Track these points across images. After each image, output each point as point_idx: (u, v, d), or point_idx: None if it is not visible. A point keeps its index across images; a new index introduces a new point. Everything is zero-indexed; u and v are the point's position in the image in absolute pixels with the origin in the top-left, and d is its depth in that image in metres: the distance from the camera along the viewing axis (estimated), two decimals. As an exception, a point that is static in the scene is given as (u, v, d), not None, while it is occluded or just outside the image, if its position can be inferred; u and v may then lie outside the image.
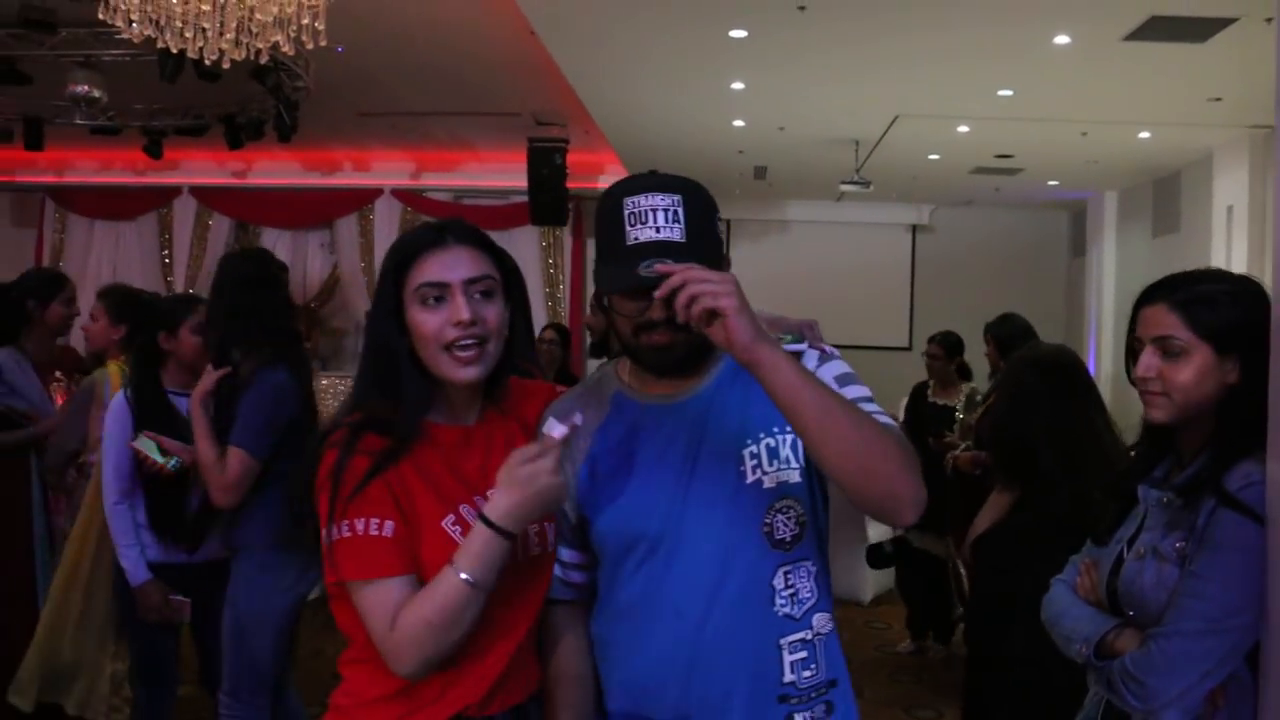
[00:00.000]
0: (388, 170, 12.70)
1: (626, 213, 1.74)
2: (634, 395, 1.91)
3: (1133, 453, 2.21)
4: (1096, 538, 2.20)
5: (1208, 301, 1.96)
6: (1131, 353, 2.08)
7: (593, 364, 3.84)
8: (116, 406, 3.65)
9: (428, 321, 1.80)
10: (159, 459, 3.51)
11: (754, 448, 1.81)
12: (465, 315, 1.78)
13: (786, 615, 1.83)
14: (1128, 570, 2.04)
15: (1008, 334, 5.46)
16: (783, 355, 1.61)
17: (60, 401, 4.41)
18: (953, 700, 5.26)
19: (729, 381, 1.86)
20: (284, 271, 3.73)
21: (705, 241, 1.75)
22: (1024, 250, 13.39)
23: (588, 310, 3.73)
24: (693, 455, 1.82)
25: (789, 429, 1.77)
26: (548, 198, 11.04)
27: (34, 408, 4.30)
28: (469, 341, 1.80)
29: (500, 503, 1.69)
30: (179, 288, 12.28)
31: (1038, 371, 3.35)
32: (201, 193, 12.87)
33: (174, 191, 12.86)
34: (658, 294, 1.61)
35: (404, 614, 1.70)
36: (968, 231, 13.46)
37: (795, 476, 1.82)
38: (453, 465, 1.84)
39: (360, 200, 12.82)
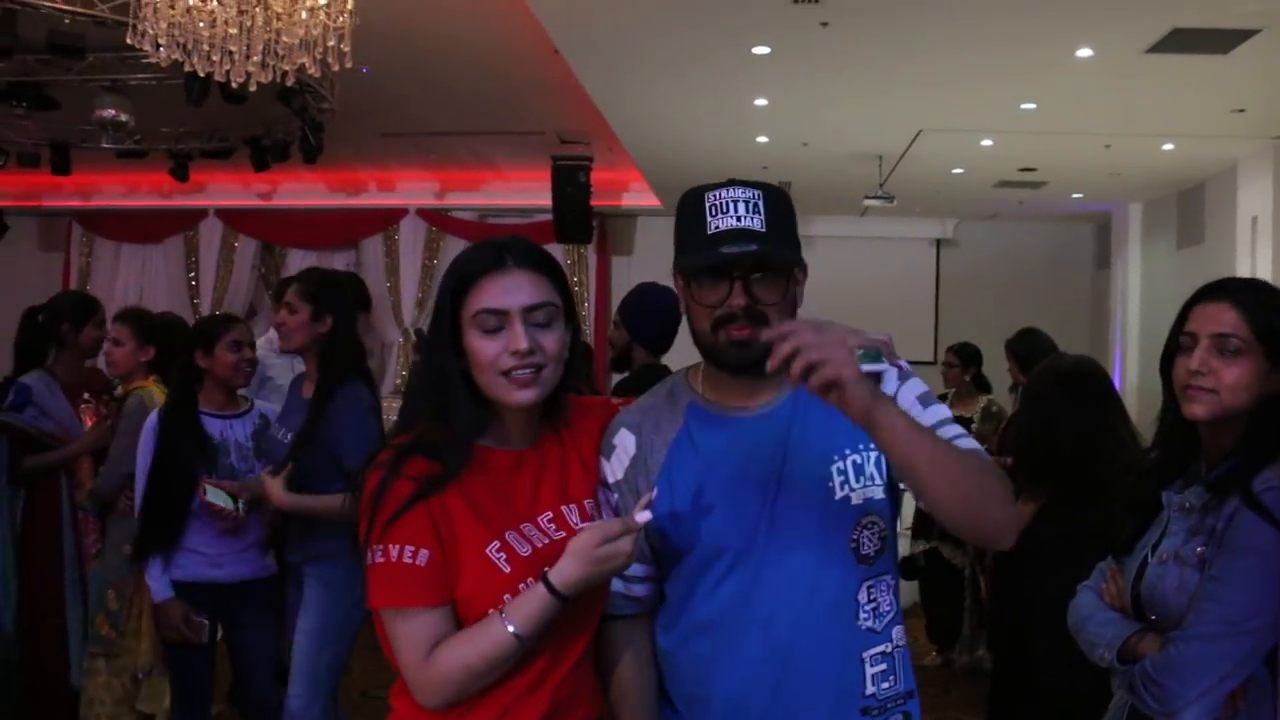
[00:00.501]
0: (412, 190, 12.78)
1: (708, 204, 1.78)
2: (710, 407, 1.88)
3: (1151, 455, 2.22)
4: (1118, 550, 2.22)
5: (1273, 307, 1.98)
6: (1172, 351, 2.08)
7: (614, 378, 3.87)
8: (150, 426, 3.69)
9: (485, 349, 1.76)
10: (231, 506, 3.52)
11: (841, 464, 1.82)
12: (523, 345, 1.74)
13: (869, 629, 1.84)
14: (1150, 575, 2.07)
15: (1028, 349, 5.43)
16: (897, 413, 1.64)
17: (89, 423, 4.43)
18: (979, 713, 5.24)
19: (806, 396, 1.83)
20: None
21: (785, 234, 1.79)
22: (1048, 263, 13.33)
23: (611, 326, 3.75)
24: (777, 469, 1.81)
25: (873, 446, 1.79)
26: (572, 216, 11.08)
27: (63, 429, 4.34)
28: (527, 370, 1.76)
29: (569, 574, 1.67)
30: (205, 310, 12.36)
31: (1060, 381, 3.34)
32: (227, 215, 12.99)
33: (200, 214, 12.99)
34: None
35: (444, 653, 1.69)
36: (992, 245, 13.41)
37: (879, 493, 1.83)
38: (501, 491, 1.80)
39: (385, 220, 12.91)
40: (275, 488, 3.36)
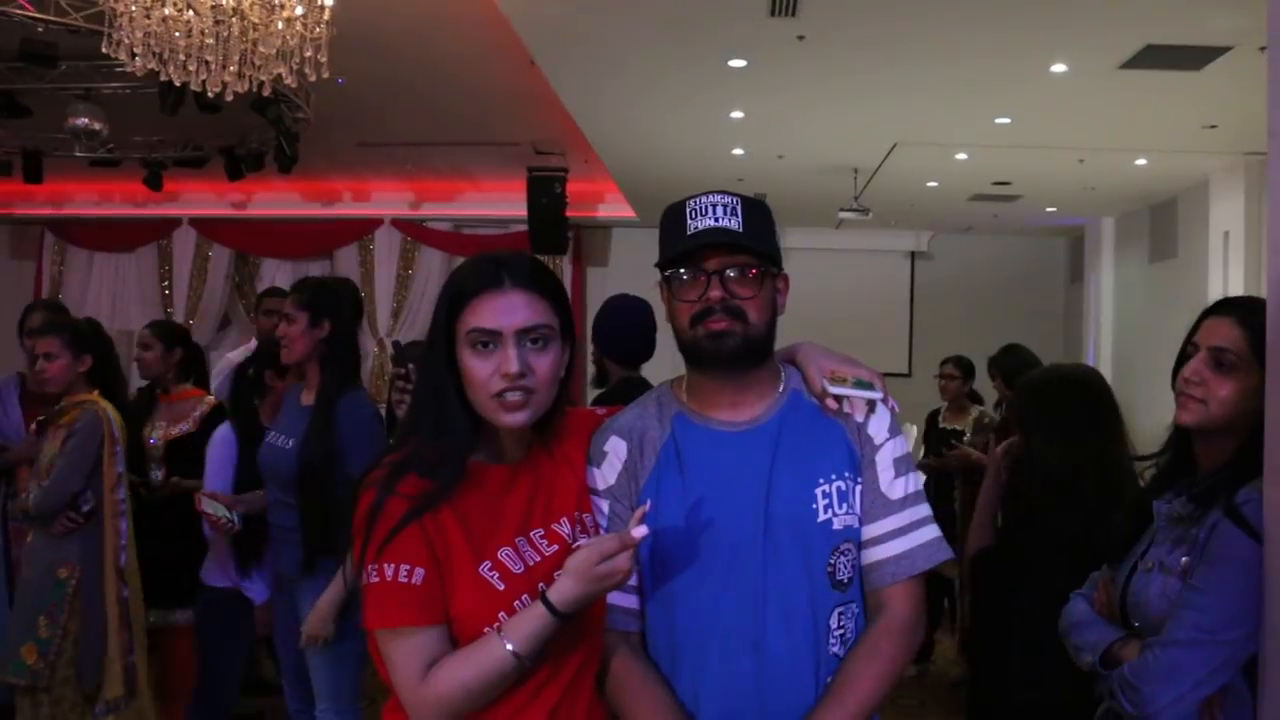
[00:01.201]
0: (388, 200, 12.74)
1: (688, 209, 1.83)
2: (696, 419, 1.91)
3: (1152, 462, 2.26)
4: (1111, 556, 2.25)
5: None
6: (1183, 358, 2.12)
7: (592, 393, 3.86)
8: (226, 438, 3.82)
9: (477, 368, 1.75)
10: (226, 516, 3.60)
11: (826, 487, 1.85)
12: (514, 368, 1.73)
13: (835, 655, 1.85)
14: (1136, 583, 2.10)
15: (1014, 366, 5.47)
16: None
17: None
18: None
19: (792, 414, 1.90)
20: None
21: (761, 237, 1.83)
22: (1022, 276, 13.42)
23: (589, 335, 3.75)
24: (765, 487, 1.83)
25: (859, 478, 1.86)
26: (547, 226, 11.07)
27: (2, 435, 4.34)
28: (518, 394, 1.74)
29: (567, 592, 1.67)
30: (179, 319, 12.27)
31: (1044, 393, 3.36)
32: (201, 224, 12.91)
33: (174, 223, 12.90)
34: None
35: (441, 673, 1.67)
36: (966, 258, 13.49)
37: (855, 523, 1.87)
38: (495, 508, 1.78)
39: (360, 230, 12.87)
40: (315, 620, 3.38)
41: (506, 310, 1.76)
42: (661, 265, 1.87)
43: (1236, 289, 8.47)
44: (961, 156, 8.98)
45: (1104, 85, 6.75)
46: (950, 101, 7.33)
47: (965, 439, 5.95)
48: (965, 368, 6.33)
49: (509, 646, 1.65)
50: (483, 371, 1.75)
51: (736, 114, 7.86)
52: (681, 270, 1.83)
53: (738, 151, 9.04)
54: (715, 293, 1.80)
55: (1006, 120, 7.72)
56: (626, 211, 12.01)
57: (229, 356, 5.32)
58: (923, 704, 5.71)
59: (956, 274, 13.44)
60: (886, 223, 11.92)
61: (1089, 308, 12.19)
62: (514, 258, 1.82)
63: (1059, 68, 6.46)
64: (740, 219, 1.82)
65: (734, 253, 1.81)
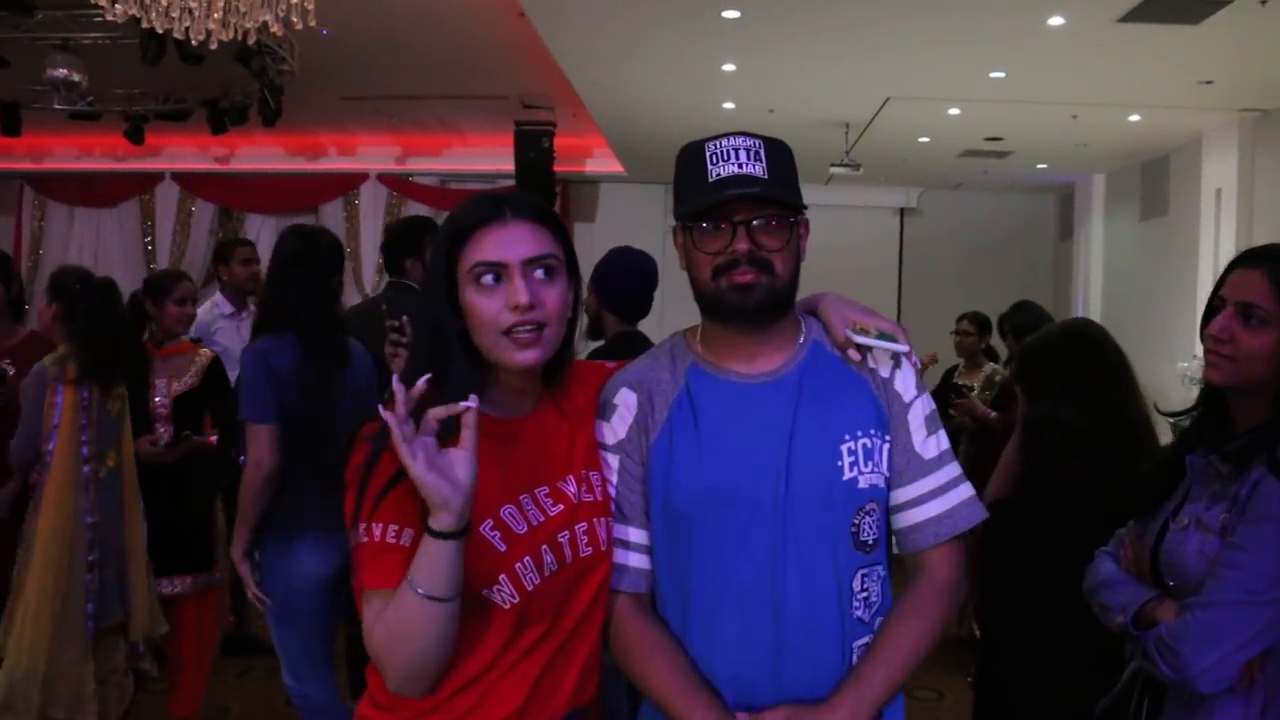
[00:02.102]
0: (373, 155, 12.59)
1: (709, 153, 1.73)
2: (712, 370, 1.81)
3: (1194, 414, 2.18)
4: (1139, 511, 2.17)
5: None
6: (1211, 311, 2.05)
7: (586, 346, 3.80)
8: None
9: (483, 305, 1.66)
10: None
11: (852, 444, 1.76)
12: (524, 299, 1.64)
13: (859, 619, 1.79)
14: (1170, 541, 2.02)
15: (1026, 323, 5.47)
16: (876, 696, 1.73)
17: None
18: (951, 680, 5.26)
19: (814, 366, 1.80)
20: (332, 254, 3.70)
21: (787, 182, 1.74)
22: (1011, 234, 13.35)
23: (584, 291, 3.67)
24: (786, 442, 1.74)
25: (886, 436, 1.78)
26: (535, 181, 10.94)
27: None
28: (528, 328, 1.66)
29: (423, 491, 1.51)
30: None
31: (1059, 342, 3.35)
32: (184, 179, 12.72)
33: (156, 178, 12.71)
34: None
35: (378, 625, 1.57)
36: (955, 215, 13.41)
37: (882, 483, 1.79)
38: (497, 463, 1.67)
39: (346, 185, 12.71)
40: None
41: (511, 241, 1.68)
42: (683, 216, 1.77)
43: (1228, 247, 8.42)
44: (954, 111, 8.90)
45: (1101, 39, 6.66)
46: (944, 55, 7.24)
47: (974, 395, 5.97)
48: (981, 323, 6.38)
49: (419, 590, 1.52)
50: (490, 308, 1.66)
51: (728, 67, 7.76)
52: (703, 221, 1.73)
53: (729, 105, 8.94)
54: (742, 245, 1.71)
55: (1001, 74, 7.63)
56: (615, 166, 11.89)
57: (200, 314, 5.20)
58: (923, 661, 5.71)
59: (946, 231, 13.37)
60: (877, 179, 11.83)
61: (1078, 265, 12.15)
62: (512, 194, 1.75)
63: (1056, 20, 6.37)
64: (765, 164, 1.72)
65: (760, 202, 1.72)
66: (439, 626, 1.55)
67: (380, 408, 1.49)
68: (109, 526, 3.87)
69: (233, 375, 4.33)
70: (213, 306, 5.59)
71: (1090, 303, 11.71)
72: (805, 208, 1.78)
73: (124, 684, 3.92)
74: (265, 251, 4.52)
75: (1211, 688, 1.85)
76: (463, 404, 1.51)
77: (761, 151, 1.74)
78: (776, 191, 1.71)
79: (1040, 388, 3.29)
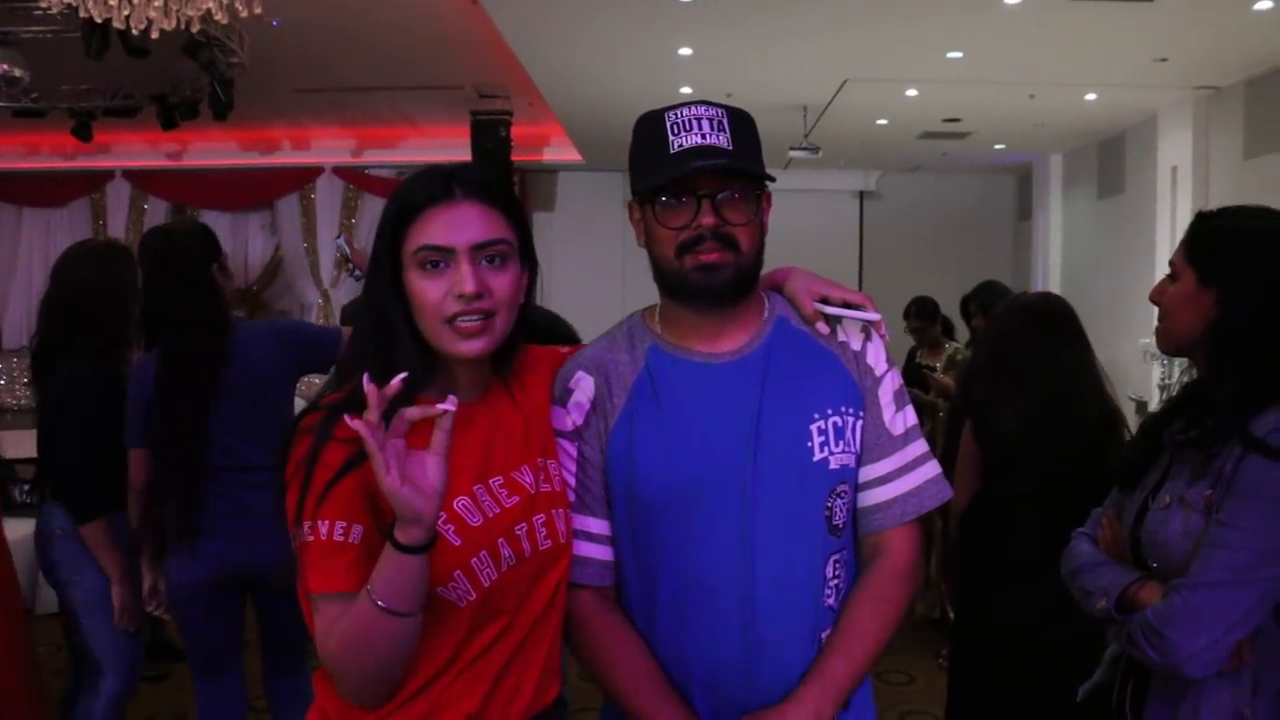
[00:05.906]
0: (328, 148, 12.44)
1: (669, 123, 1.64)
2: (673, 350, 1.73)
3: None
4: (1122, 480, 2.10)
5: (1208, 233, 1.95)
6: None
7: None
8: None
9: (427, 290, 1.57)
10: None
11: (822, 423, 1.69)
12: (470, 287, 1.55)
13: (829, 607, 1.72)
14: (1152, 520, 1.94)
15: (992, 302, 5.49)
16: (840, 687, 1.68)
17: None
18: (920, 663, 5.25)
19: (780, 343, 1.73)
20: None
21: (752, 153, 1.67)
22: (971, 215, 13.39)
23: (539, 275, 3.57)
24: (752, 423, 1.66)
25: (860, 413, 1.71)
26: (492, 171, 10.86)
27: None
28: (474, 317, 1.56)
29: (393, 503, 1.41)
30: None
31: (1015, 319, 3.36)
32: (135, 176, 12.53)
33: (106, 176, 12.52)
34: None
35: (333, 631, 1.48)
36: (914, 197, 13.43)
37: (852, 462, 1.72)
38: (450, 452, 1.54)
39: (301, 179, 12.54)
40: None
41: (458, 224, 1.58)
42: (641, 190, 1.69)
43: (1184, 224, 8.33)
44: (912, 93, 8.88)
45: (1057, 17, 6.65)
46: (902, 35, 7.20)
47: (937, 372, 6.04)
48: (926, 309, 6.37)
49: (380, 604, 1.42)
50: (434, 294, 1.57)
51: (685, 50, 7.69)
52: (664, 195, 1.65)
53: (686, 90, 8.87)
54: (707, 219, 1.63)
55: (958, 54, 7.61)
56: (573, 155, 11.79)
57: None
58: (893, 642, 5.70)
59: (905, 213, 13.39)
60: (836, 163, 11.82)
61: (1037, 245, 12.19)
62: (464, 168, 1.64)
63: (1012, -1, 6.36)
64: (729, 134, 1.65)
65: (726, 175, 1.64)
66: (401, 640, 1.47)
67: (347, 417, 1.39)
68: None
69: None
70: None
71: (1050, 282, 11.75)
72: (772, 179, 1.71)
73: None
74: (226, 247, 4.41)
75: (1202, 671, 1.79)
76: (440, 406, 1.41)
77: (725, 121, 1.67)
78: (743, 163, 1.65)
79: (992, 382, 3.31)
